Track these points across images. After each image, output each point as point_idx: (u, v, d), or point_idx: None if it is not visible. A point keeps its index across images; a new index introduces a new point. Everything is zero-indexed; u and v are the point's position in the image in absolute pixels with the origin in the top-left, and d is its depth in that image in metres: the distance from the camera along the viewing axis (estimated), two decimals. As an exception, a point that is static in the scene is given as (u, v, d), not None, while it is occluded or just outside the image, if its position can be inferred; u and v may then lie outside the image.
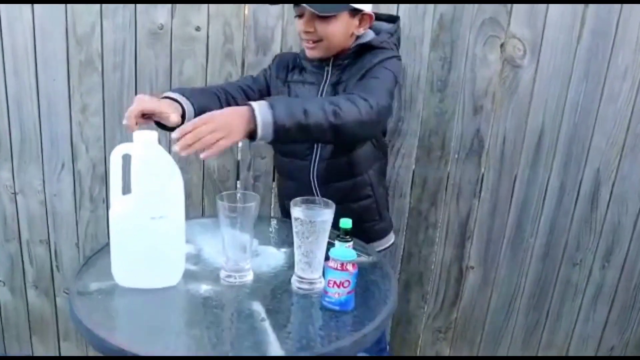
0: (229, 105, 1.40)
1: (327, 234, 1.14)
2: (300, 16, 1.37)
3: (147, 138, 1.07)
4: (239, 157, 1.85)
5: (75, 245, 1.94)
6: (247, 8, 1.70)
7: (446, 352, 2.01)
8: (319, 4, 1.30)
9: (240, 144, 1.85)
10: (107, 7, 1.69)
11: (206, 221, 1.52)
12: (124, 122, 1.18)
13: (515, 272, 1.90)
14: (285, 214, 1.59)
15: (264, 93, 1.52)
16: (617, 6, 1.62)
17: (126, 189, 1.10)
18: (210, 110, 1.30)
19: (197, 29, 1.71)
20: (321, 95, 1.42)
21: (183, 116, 1.28)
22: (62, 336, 2.06)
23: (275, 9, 1.69)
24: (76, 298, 1.09)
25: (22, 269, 1.97)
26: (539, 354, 1.98)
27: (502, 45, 1.68)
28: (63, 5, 1.68)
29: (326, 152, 1.43)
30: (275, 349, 0.93)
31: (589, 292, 1.91)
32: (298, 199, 1.16)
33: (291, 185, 1.54)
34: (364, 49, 1.39)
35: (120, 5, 1.69)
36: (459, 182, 1.82)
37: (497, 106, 1.73)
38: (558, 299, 1.92)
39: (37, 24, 1.71)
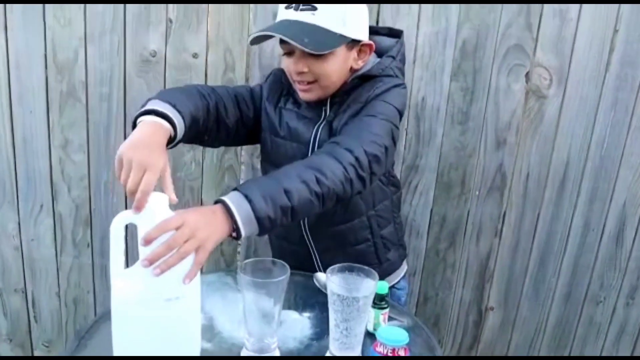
0: (217, 114, 1.21)
1: (369, 307, 0.99)
2: (288, 54, 1.18)
3: (156, 203, 0.90)
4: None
5: (56, 295, 1.74)
6: (251, 32, 1.53)
7: (463, 398, 1.89)
8: (311, 40, 1.10)
9: (242, 179, 1.69)
10: (92, 32, 1.51)
11: (212, 279, 1.34)
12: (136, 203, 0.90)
13: (537, 312, 1.79)
14: (277, 254, 1.43)
15: (257, 112, 1.30)
16: (646, 33, 1.53)
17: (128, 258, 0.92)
18: (198, 121, 1.13)
19: (195, 55, 1.54)
20: (316, 133, 1.22)
21: (174, 134, 1.05)
22: (40, 394, 1.85)
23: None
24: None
25: (-6, 321, 1.76)
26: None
27: (527, 75, 1.57)
28: (42, 29, 1.49)
29: None
30: None
31: (612, 331, 1.81)
32: (335, 267, 1.00)
33: None
34: (363, 79, 1.21)
35: (107, 30, 1.50)
36: (479, 220, 1.70)
37: (521, 140, 1.62)
38: (580, 339, 1.82)
39: (11, 49, 1.51)
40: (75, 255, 1.70)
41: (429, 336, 1.12)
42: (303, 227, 1.30)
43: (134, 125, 1.03)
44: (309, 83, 1.18)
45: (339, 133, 1.17)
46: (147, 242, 0.84)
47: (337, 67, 1.17)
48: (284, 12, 1.15)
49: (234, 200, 0.93)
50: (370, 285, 0.98)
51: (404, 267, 1.43)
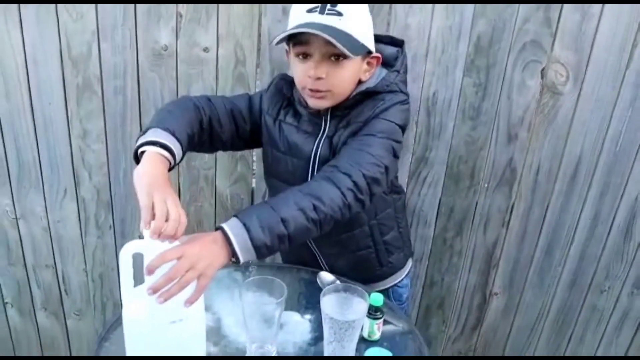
0: (211, 130, 1.22)
1: (360, 325, 1.06)
2: (305, 57, 1.13)
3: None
4: (254, 185, 1.73)
5: (83, 271, 1.86)
6: (262, 27, 1.52)
7: (465, 373, 1.99)
8: (342, 42, 1.06)
9: (254, 171, 1.73)
10: (104, 27, 1.51)
11: (221, 274, 1.40)
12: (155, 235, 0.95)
13: (541, 298, 1.84)
14: (283, 254, 1.51)
15: (254, 125, 1.30)
16: (674, 26, 1.45)
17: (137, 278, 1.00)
18: (193, 137, 1.16)
19: (206, 50, 1.54)
20: (317, 149, 1.22)
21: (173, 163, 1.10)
22: (75, 355, 2.03)
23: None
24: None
25: (30, 292, 1.91)
26: (559, 376, 1.96)
27: (542, 70, 1.52)
28: (55, 25, 1.51)
29: None
30: None
31: (615, 317, 1.85)
32: (330, 287, 1.06)
33: None
34: (367, 95, 1.19)
35: (119, 25, 1.51)
36: (487, 211, 1.71)
37: (533, 135, 1.60)
38: (582, 323, 1.87)
39: (27, 45, 1.54)
40: (98, 236, 1.80)
41: (421, 343, 1.19)
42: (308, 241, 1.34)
43: (135, 153, 1.08)
44: (322, 91, 1.15)
45: (338, 152, 1.18)
46: (150, 272, 0.91)
47: (352, 76, 1.16)
48: (306, 15, 1.10)
49: (233, 229, 0.98)
50: (362, 308, 1.05)
51: (407, 267, 1.48)
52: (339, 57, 1.12)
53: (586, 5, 1.43)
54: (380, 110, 1.16)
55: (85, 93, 1.59)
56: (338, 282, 1.28)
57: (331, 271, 1.32)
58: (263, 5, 1.49)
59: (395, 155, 1.19)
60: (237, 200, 1.74)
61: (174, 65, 1.56)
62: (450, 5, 1.47)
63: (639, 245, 1.73)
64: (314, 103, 1.19)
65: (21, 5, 1.48)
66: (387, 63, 1.24)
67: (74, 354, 2.02)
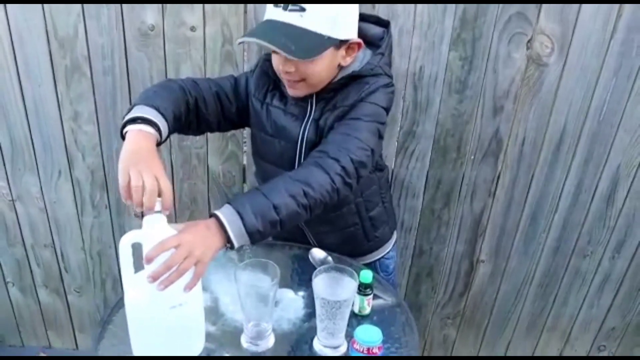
0: (197, 110, 1.25)
1: (351, 304, 1.11)
2: (275, 51, 1.15)
3: (156, 223, 0.99)
4: (245, 162, 1.76)
5: (82, 249, 1.90)
6: (247, 5, 1.52)
7: (453, 336, 2.07)
8: (298, 47, 1.09)
9: (245, 148, 1.76)
10: (89, 7, 1.51)
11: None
12: (139, 208, 0.99)
13: (526, 264, 1.90)
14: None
15: (240, 106, 1.32)
16: (657, -4, 1.46)
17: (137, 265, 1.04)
18: (180, 117, 1.19)
19: (192, 29, 1.54)
20: (304, 131, 1.25)
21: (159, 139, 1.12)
22: (77, 329, 2.09)
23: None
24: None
25: (30, 270, 1.95)
26: (542, 336, 2.05)
27: (528, 42, 1.54)
28: (39, 5, 1.49)
29: None
30: None
31: (597, 280, 1.93)
32: (321, 268, 1.11)
33: None
34: (352, 78, 1.21)
35: (104, 5, 1.50)
36: (474, 182, 1.76)
37: (518, 107, 1.63)
38: (566, 287, 1.94)
39: (12, 26, 1.53)
40: (95, 216, 1.84)
41: (408, 315, 1.25)
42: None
43: (122, 131, 1.09)
44: (296, 81, 1.19)
45: (325, 135, 1.20)
46: (148, 261, 0.95)
47: (324, 67, 1.17)
48: (272, 11, 1.13)
49: (227, 216, 1.02)
50: (352, 286, 1.09)
51: (392, 239, 1.53)
52: None
53: (571, -23, 1.44)
54: (366, 93, 1.18)
55: (75, 74, 1.60)
56: (329, 258, 1.33)
57: (320, 247, 1.37)
58: (248, -17, 1.48)
59: (380, 137, 1.22)
60: (229, 177, 1.77)
61: (161, 45, 1.56)
62: (435, -20, 1.47)
63: (620, 212, 1.79)
64: (290, 92, 1.23)
65: (3, -13, 1.47)
66: (372, 43, 1.25)
67: (76, 328, 2.09)
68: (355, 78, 1.21)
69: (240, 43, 1.15)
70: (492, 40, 1.54)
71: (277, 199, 1.05)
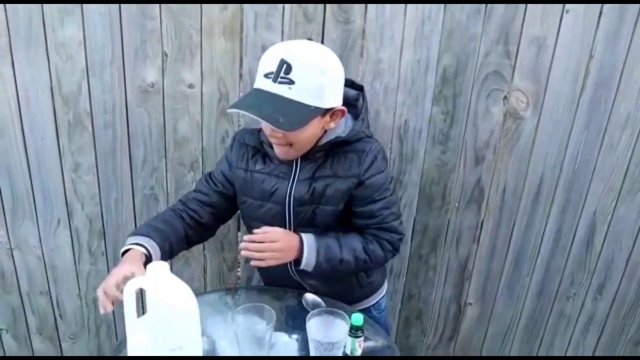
0: (193, 223, 1.41)
1: (342, 345, 1.16)
2: None
3: (160, 271, 1.06)
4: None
5: (78, 296, 1.93)
6: (243, 65, 1.62)
7: (444, 379, 2.10)
8: (285, 119, 1.15)
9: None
10: (93, 66, 1.60)
11: (212, 298, 1.50)
12: (104, 300, 1.12)
13: (511, 307, 1.96)
14: (265, 278, 1.62)
15: (226, 194, 1.43)
16: (621, 55, 1.58)
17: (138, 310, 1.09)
18: (172, 247, 1.34)
19: (191, 86, 1.64)
20: (290, 192, 1.33)
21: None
22: (70, 377, 2.09)
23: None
24: None
25: (25, 318, 1.97)
26: (531, 379, 2.09)
27: (505, 98, 1.65)
28: (46, 63, 1.58)
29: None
30: None
31: (581, 322, 1.99)
32: (314, 311, 1.17)
33: None
34: (337, 145, 1.31)
35: (107, 64, 1.59)
36: (458, 228, 1.84)
37: (498, 157, 1.73)
38: (551, 328, 2.00)
39: (19, 83, 1.61)
40: (92, 263, 1.88)
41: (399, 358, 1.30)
42: (291, 270, 1.43)
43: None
44: (283, 145, 1.26)
45: (354, 206, 1.35)
46: (250, 241, 1.27)
47: (310, 134, 1.26)
48: (262, 81, 1.20)
49: (309, 246, 1.31)
50: (343, 329, 1.15)
51: (384, 288, 1.60)
52: None
53: (542, 38, 1.56)
54: (368, 164, 1.31)
55: (77, 128, 1.68)
56: (323, 303, 1.39)
57: (315, 293, 1.43)
58: (244, 45, 1.59)
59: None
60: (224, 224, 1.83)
61: (160, 101, 1.65)
62: (417, 41, 1.58)
63: (599, 255, 1.87)
64: (280, 155, 1.30)
65: (12, 46, 1.56)
66: (348, 103, 1.33)
67: (69, 376, 2.09)
68: (342, 144, 1.30)
69: (230, 112, 1.24)
70: (471, 96, 1.65)
71: (346, 256, 1.32)
